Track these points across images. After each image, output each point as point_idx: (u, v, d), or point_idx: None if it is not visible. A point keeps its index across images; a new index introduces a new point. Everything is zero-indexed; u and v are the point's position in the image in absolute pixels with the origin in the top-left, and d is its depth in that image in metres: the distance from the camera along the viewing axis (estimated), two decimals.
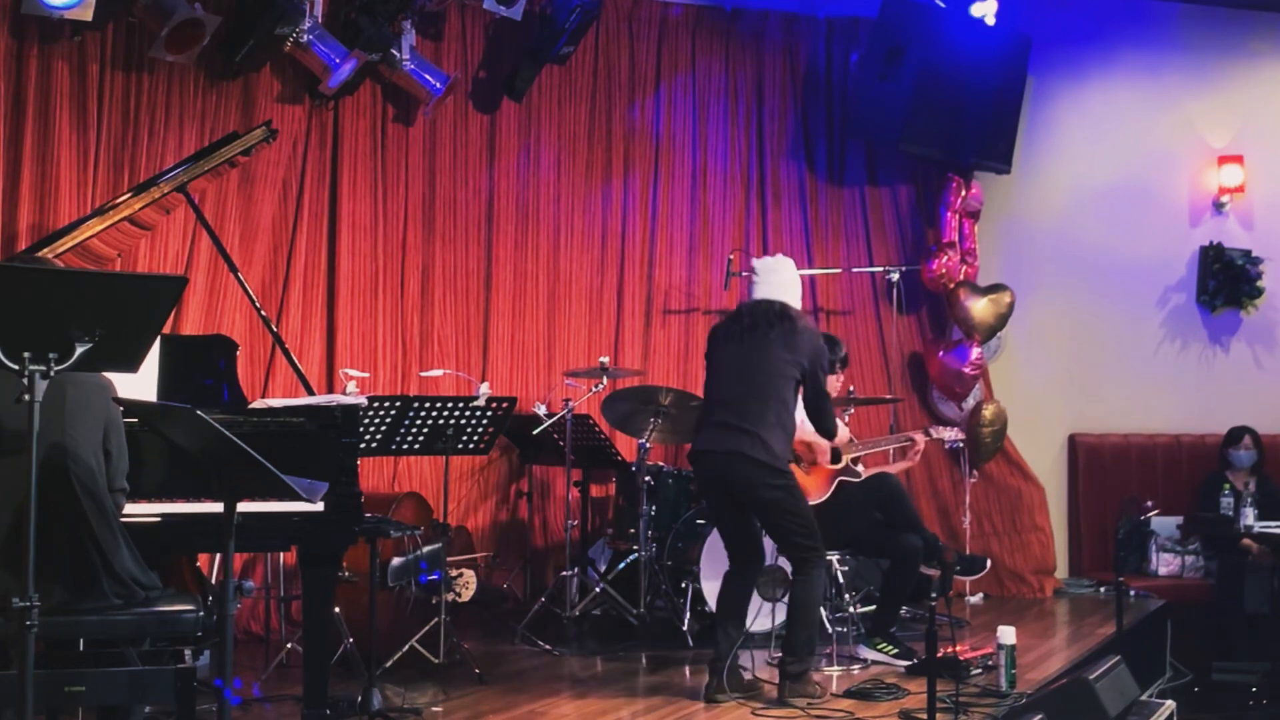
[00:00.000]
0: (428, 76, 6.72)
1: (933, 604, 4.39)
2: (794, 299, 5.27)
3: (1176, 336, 8.54)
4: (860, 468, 6.02)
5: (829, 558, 6.00)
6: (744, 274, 7.74)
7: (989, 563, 6.08)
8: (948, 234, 7.99)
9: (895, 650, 5.72)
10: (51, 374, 3.11)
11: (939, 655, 4.70)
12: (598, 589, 6.50)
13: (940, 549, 5.79)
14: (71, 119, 5.95)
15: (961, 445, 6.61)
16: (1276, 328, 8.61)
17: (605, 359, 6.62)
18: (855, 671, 5.59)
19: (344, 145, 6.76)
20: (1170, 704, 4.83)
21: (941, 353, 7.99)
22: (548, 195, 7.43)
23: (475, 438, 5.66)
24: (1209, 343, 8.57)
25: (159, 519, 3.96)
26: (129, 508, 3.81)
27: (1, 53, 5.79)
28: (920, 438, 6.16)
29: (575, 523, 6.71)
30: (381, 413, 5.36)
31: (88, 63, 6.00)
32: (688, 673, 5.59)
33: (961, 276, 7.94)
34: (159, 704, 3.91)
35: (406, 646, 5.38)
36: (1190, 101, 8.56)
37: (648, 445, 6.36)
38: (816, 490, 5.85)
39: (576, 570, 6.51)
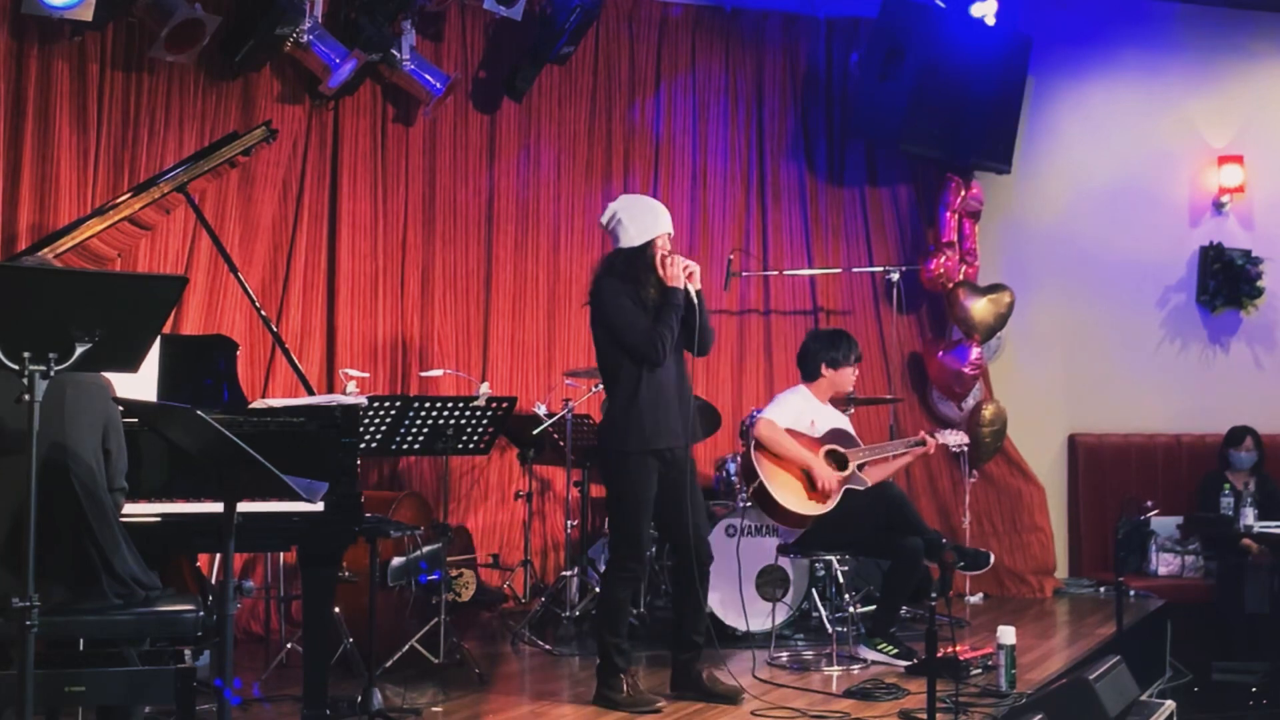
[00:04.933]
0: (428, 76, 6.72)
1: (933, 604, 4.39)
2: (622, 241, 4.98)
3: (1176, 336, 8.54)
4: (865, 475, 5.97)
5: (829, 558, 6.00)
6: (744, 274, 7.76)
7: (992, 558, 6.04)
8: (947, 234, 7.99)
9: (895, 650, 5.71)
10: (51, 374, 3.10)
11: (939, 655, 4.69)
12: (598, 589, 6.49)
13: (941, 548, 5.76)
14: (71, 119, 5.96)
15: (966, 449, 6.58)
16: (1276, 328, 8.61)
17: None
18: (855, 671, 5.58)
19: (344, 145, 6.76)
20: (1170, 704, 4.83)
21: (941, 353, 7.98)
22: (548, 195, 7.43)
23: (475, 438, 5.66)
24: (1209, 343, 8.57)
25: (159, 519, 3.97)
26: (129, 508, 3.81)
27: (1, 53, 5.79)
28: (930, 439, 6.11)
29: (575, 523, 6.71)
30: (381, 413, 5.36)
31: (88, 63, 6.00)
32: None
33: (961, 276, 7.94)
34: (159, 704, 3.90)
35: (406, 646, 5.37)
36: (1190, 101, 8.56)
37: None
38: (823, 500, 5.81)
39: (576, 570, 6.51)
